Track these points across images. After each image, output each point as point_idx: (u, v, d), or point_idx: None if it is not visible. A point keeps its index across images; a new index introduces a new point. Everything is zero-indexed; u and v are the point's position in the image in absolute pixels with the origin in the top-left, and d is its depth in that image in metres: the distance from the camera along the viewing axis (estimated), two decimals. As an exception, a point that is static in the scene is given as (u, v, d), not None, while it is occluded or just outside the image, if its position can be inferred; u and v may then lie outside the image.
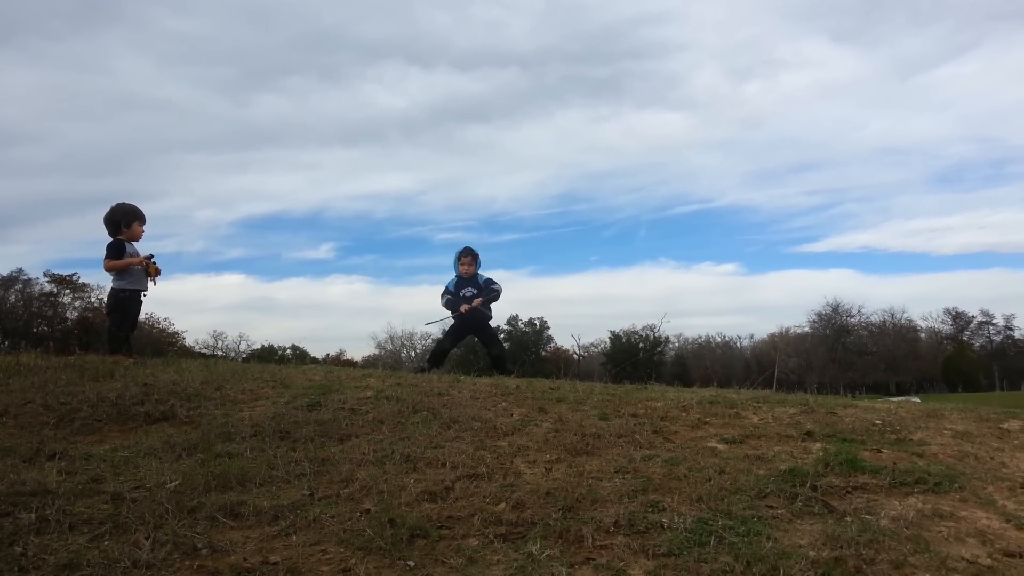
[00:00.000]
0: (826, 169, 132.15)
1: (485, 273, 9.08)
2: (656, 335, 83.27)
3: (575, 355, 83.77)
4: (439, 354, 9.09)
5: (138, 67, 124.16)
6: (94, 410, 4.79)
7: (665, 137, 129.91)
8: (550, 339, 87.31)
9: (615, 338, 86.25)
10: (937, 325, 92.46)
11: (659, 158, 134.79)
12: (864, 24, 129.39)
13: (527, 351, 78.34)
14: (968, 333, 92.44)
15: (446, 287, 8.97)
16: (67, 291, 66.07)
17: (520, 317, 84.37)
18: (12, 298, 64.20)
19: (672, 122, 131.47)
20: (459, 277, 8.94)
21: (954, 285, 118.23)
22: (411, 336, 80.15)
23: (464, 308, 8.71)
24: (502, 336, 75.73)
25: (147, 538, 2.94)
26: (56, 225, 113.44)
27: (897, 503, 3.47)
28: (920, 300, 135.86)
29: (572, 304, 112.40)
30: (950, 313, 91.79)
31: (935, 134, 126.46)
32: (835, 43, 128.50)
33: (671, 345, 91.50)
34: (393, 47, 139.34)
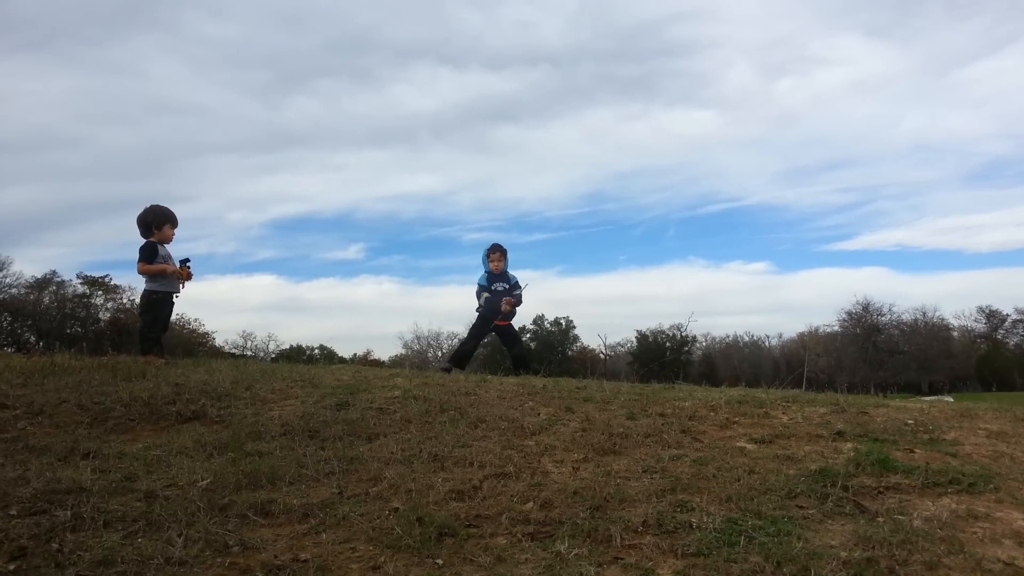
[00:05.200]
0: (859, 167, 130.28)
1: (512, 272, 9.20)
2: (683, 334, 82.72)
3: (602, 355, 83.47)
4: (463, 356, 9.12)
5: (172, 71, 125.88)
6: (127, 409, 4.86)
7: (695, 136, 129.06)
8: (576, 339, 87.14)
9: (642, 338, 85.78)
10: (970, 323, 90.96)
11: (689, 157, 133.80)
12: (899, 19, 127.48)
13: (553, 351, 78.20)
14: (1002, 331, 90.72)
15: (479, 283, 9.04)
16: (99, 293, 67.03)
17: (546, 317, 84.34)
18: (46, 300, 65.25)
19: (703, 120, 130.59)
20: (489, 273, 9.04)
21: (989, 283, 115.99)
22: (438, 336, 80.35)
23: (506, 307, 8.79)
24: (528, 336, 76.00)
25: (179, 535, 2.97)
26: (89, 228, 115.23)
27: (930, 503, 3.42)
28: (954, 298, 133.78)
29: (600, 304, 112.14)
30: (984, 311, 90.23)
31: (970, 130, 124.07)
32: (870, 39, 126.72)
33: (699, 345, 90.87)
34: (424, 48, 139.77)
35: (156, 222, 7.31)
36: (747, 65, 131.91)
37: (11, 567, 2.71)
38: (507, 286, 8.99)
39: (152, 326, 7.24)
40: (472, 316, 9.21)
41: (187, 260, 7.33)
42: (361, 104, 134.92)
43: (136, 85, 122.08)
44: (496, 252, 9.07)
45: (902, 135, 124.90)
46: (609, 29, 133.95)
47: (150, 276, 7.21)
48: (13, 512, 3.17)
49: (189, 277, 7.31)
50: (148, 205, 7.40)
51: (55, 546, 2.86)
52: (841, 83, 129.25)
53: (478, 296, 9.00)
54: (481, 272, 9.11)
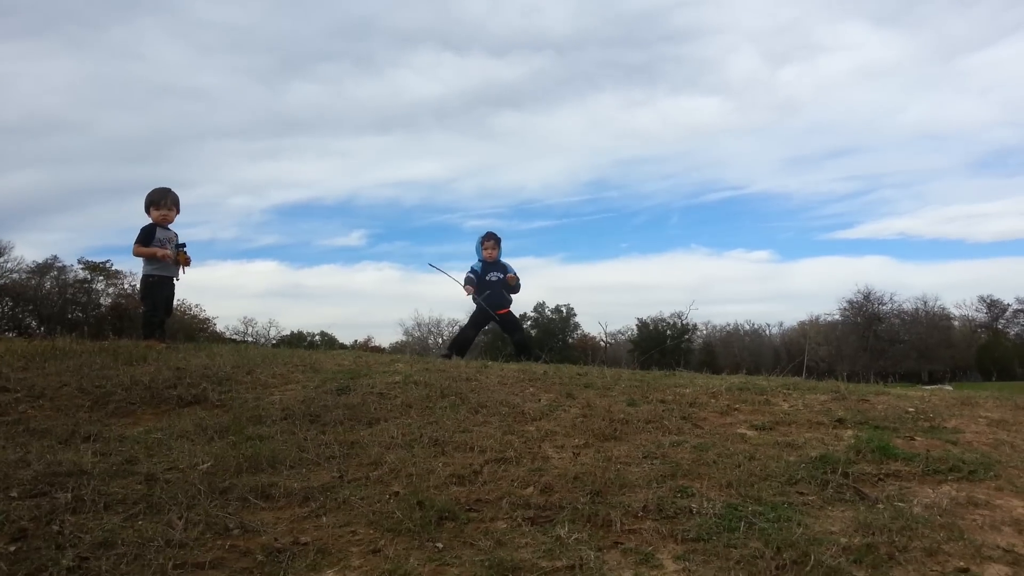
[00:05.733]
0: (863, 155, 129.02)
1: (511, 261, 9.28)
2: (684, 322, 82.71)
3: (602, 342, 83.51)
4: (463, 343, 9.14)
5: (175, 55, 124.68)
6: (128, 393, 4.86)
7: (699, 123, 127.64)
8: (577, 326, 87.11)
9: (642, 325, 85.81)
10: (971, 313, 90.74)
11: (692, 144, 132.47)
12: (905, 5, 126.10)
13: (554, 338, 78.24)
14: (1003, 321, 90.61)
15: (471, 269, 9.12)
16: (100, 278, 66.98)
17: (547, 304, 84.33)
18: (47, 285, 65.22)
19: (706, 107, 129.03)
20: (483, 262, 9.06)
21: (991, 272, 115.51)
22: (438, 323, 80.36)
23: (462, 287, 8.94)
24: (528, 323, 76.02)
25: (180, 518, 2.98)
26: (90, 213, 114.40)
27: (930, 491, 3.43)
28: (955, 288, 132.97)
29: (602, 291, 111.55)
30: (984, 301, 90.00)
31: (976, 118, 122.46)
32: (876, 26, 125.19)
33: (699, 333, 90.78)
34: (427, 33, 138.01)
35: (146, 203, 7.32)
36: (752, 51, 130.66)
37: (12, 548, 2.72)
38: (501, 275, 9.01)
39: (154, 311, 7.23)
40: (471, 304, 9.22)
41: (183, 245, 7.30)
42: (363, 89, 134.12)
43: (138, 69, 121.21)
44: (490, 240, 9.10)
45: (906, 123, 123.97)
46: (613, 14, 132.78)
47: (145, 259, 7.20)
48: (14, 494, 3.17)
49: (187, 262, 7.27)
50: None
51: (55, 528, 2.87)
52: (846, 70, 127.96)
53: (464, 277, 9.12)
54: (475, 260, 9.15)
